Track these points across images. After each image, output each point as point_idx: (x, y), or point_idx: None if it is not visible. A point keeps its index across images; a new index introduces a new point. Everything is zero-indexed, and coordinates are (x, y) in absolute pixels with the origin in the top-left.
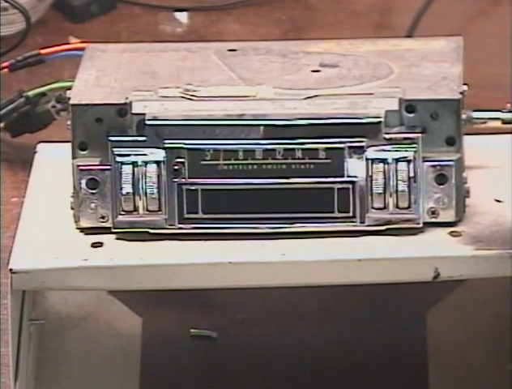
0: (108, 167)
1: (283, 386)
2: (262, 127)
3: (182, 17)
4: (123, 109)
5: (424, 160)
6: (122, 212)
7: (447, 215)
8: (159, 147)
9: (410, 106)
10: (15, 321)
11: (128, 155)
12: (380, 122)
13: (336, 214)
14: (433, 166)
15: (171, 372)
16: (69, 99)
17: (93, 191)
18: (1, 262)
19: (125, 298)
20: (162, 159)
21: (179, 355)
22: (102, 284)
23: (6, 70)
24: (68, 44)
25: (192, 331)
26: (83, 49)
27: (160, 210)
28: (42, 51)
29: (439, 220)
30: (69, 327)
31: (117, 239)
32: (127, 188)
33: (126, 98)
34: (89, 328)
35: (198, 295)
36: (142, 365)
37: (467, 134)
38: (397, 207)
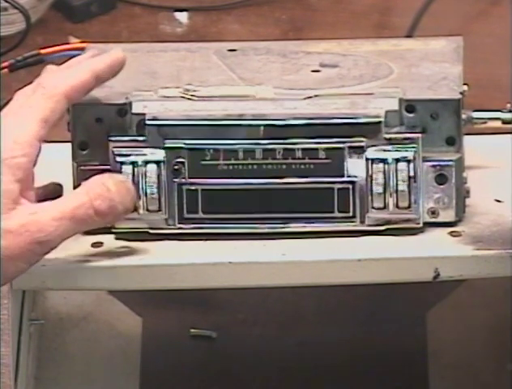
0: (108, 167)
1: (283, 386)
2: (262, 127)
3: (182, 17)
4: (123, 109)
5: (424, 160)
6: None
7: (447, 215)
8: (159, 147)
9: (410, 106)
10: (15, 321)
11: (128, 155)
12: (380, 122)
13: (336, 214)
14: (433, 166)
15: (171, 372)
16: None
17: None
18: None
19: (125, 298)
20: (162, 159)
21: (179, 355)
22: (102, 284)
23: (5, 70)
24: (68, 44)
25: (192, 331)
26: (83, 49)
27: (159, 210)
28: (42, 51)
29: (439, 220)
30: (69, 327)
31: (117, 239)
32: None
33: (126, 98)
34: (89, 328)
35: (198, 295)
36: (142, 365)
37: (467, 134)
38: (397, 206)
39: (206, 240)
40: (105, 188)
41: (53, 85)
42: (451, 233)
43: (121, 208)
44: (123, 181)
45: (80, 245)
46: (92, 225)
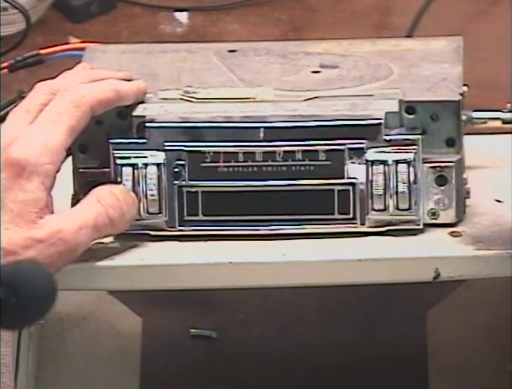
0: (108, 169)
1: (283, 386)
2: (262, 129)
3: (182, 17)
4: (123, 112)
5: (425, 161)
6: None
7: (447, 217)
8: (159, 150)
9: (410, 108)
10: None
11: (128, 157)
12: (380, 124)
13: (336, 215)
14: (433, 167)
15: (171, 372)
16: None
17: None
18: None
19: (125, 298)
20: (162, 161)
21: (179, 355)
22: (102, 284)
23: (5, 70)
24: (68, 44)
25: (192, 331)
26: (83, 49)
27: (160, 212)
28: (42, 51)
29: (439, 221)
30: (69, 327)
31: (118, 239)
32: None
33: None
34: (89, 328)
35: (198, 295)
36: (142, 365)
37: (467, 134)
38: (397, 208)
39: (207, 240)
40: (115, 197)
41: (82, 94)
42: (451, 234)
43: (128, 217)
44: (128, 191)
45: None
46: (105, 234)
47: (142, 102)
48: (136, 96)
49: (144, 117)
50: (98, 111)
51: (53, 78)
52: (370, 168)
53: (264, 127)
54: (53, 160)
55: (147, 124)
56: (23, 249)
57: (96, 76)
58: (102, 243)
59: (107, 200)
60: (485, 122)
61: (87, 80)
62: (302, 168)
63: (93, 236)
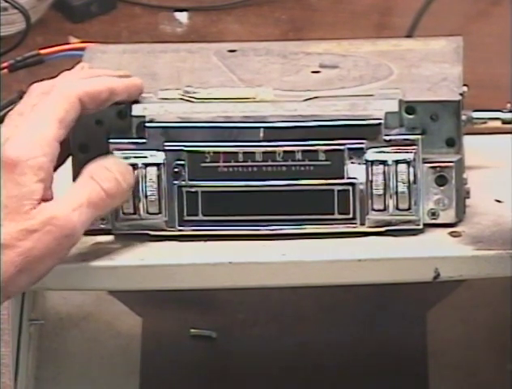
0: None
1: (283, 386)
2: (262, 129)
3: (182, 17)
4: (123, 111)
5: (424, 161)
6: (122, 215)
7: (447, 217)
8: (159, 150)
9: (410, 108)
10: (15, 321)
11: (128, 157)
12: (380, 124)
13: (336, 216)
14: (433, 167)
15: (171, 372)
16: None
17: None
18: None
19: (125, 298)
20: (162, 161)
21: (179, 355)
22: (102, 284)
23: (5, 70)
24: (68, 44)
25: (192, 331)
26: (83, 49)
27: (160, 212)
28: (42, 51)
29: (439, 221)
30: (69, 327)
31: (118, 239)
32: None
33: None
34: (89, 328)
35: (198, 295)
36: (142, 365)
37: (467, 134)
38: (397, 208)
39: (207, 240)
40: (107, 170)
41: (68, 87)
42: (451, 234)
43: (125, 186)
44: (120, 160)
45: (80, 246)
46: (105, 208)
47: (138, 102)
48: (129, 91)
49: (144, 117)
50: (89, 104)
51: (52, 78)
52: (370, 169)
53: (264, 127)
54: (45, 152)
55: (147, 124)
56: (20, 241)
57: (91, 74)
58: (102, 243)
59: (99, 174)
60: (485, 122)
61: (81, 78)
62: (302, 168)
63: (92, 214)
